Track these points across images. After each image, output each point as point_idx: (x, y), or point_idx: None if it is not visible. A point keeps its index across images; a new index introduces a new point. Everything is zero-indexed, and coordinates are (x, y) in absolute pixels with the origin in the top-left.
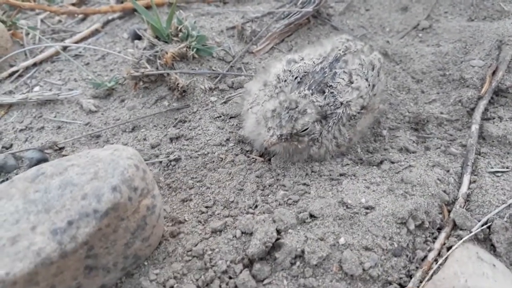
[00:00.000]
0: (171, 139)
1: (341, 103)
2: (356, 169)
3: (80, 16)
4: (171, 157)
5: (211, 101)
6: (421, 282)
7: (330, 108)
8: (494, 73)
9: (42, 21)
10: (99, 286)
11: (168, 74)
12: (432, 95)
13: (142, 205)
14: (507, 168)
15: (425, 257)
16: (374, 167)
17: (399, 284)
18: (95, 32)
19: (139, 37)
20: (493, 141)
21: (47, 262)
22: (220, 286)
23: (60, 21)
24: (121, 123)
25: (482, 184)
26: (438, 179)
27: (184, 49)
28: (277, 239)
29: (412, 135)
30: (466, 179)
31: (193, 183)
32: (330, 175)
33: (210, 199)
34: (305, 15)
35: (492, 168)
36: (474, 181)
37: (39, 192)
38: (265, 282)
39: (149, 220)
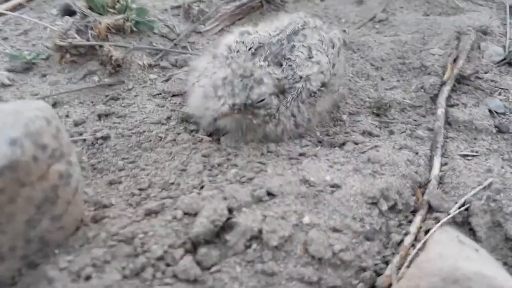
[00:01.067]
0: (99, 116)
1: (301, 77)
2: (317, 150)
3: None
4: (98, 134)
5: (150, 79)
6: (399, 268)
7: (288, 82)
8: (454, 61)
9: None
10: None
11: (100, 46)
12: (393, 82)
13: (52, 170)
14: (476, 152)
15: (401, 241)
16: (336, 148)
17: (375, 271)
18: (18, 7)
19: (70, 13)
20: (459, 126)
21: None
22: (153, 275)
23: None
24: (39, 97)
25: (455, 166)
26: (407, 160)
27: (121, 20)
28: (228, 218)
29: (374, 120)
30: (437, 161)
31: (123, 164)
32: (289, 154)
33: (144, 181)
34: None
35: (462, 151)
36: (446, 164)
37: None
38: (212, 269)
39: (62, 192)
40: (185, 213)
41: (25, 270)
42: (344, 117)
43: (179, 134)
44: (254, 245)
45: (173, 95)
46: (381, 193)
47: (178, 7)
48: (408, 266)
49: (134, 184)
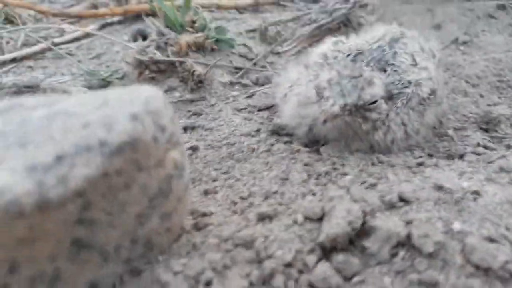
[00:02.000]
0: (185, 129)
1: (410, 82)
2: (435, 161)
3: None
4: (186, 145)
5: (232, 95)
6: None
7: (396, 87)
8: None
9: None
10: (87, 283)
11: (181, 62)
12: (494, 99)
13: (169, 157)
14: None
15: None
16: (456, 159)
17: None
18: (90, 35)
19: (143, 38)
20: None
21: (13, 211)
22: (285, 283)
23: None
24: None
25: None
26: None
27: (202, 38)
28: (363, 223)
29: (484, 135)
30: None
31: (217, 175)
32: (405, 164)
33: (243, 191)
34: (334, 20)
35: None
36: None
37: (11, 124)
38: (354, 279)
39: (175, 185)
40: (306, 218)
41: (127, 277)
42: (450, 132)
43: (272, 145)
44: (402, 253)
45: (260, 110)
46: None
47: (253, 30)
48: None
49: (232, 194)
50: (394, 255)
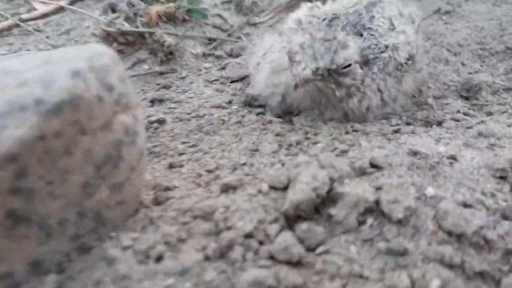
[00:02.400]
0: (152, 102)
1: (387, 46)
2: (412, 128)
3: None
4: (152, 118)
5: (204, 67)
6: None
7: (372, 52)
8: None
9: None
10: (28, 261)
11: (151, 33)
12: (476, 67)
13: (118, 120)
14: None
15: None
16: (434, 126)
17: None
18: (59, 10)
19: (115, 12)
20: None
21: None
22: (244, 255)
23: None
24: None
25: None
26: None
27: (173, 8)
28: (330, 190)
29: (464, 103)
30: None
31: (184, 148)
32: (380, 132)
33: (210, 163)
34: None
35: None
36: None
37: None
38: (318, 250)
39: (126, 152)
40: (272, 187)
41: (75, 255)
42: (430, 100)
43: (244, 116)
44: (370, 220)
45: (232, 81)
46: (510, 165)
47: (229, 1)
48: None
49: (199, 167)
50: (361, 222)
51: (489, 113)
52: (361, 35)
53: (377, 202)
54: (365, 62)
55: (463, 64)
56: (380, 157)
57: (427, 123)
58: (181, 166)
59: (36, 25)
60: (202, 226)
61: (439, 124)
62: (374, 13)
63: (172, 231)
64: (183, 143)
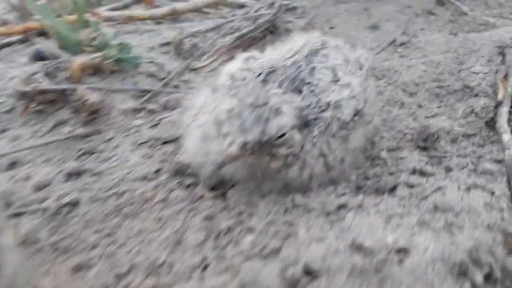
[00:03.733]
0: (68, 176)
1: (328, 104)
2: (360, 199)
3: None
4: (64, 200)
5: (134, 126)
6: None
7: (312, 112)
8: (505, 78)
9: None
10: None
11: (73, 90)
12: (434, 109)
13: None
14: None
15: None
16: (385, 194)
17: None
18: None
19: (43, 59)
20: None
21: None
22: None
23: None
24: None
25: None
26: (486, 204)
27: (98, 59)
28: None
29: (421, 156)
30: None
31: (97, 240)
32: (324, 208)
33: (123, 264)
34: (259, 28)
35: None
36: None
37: None
38: None
39: None
40: None
41: None
42: (383, 154)
43: (172, 191)
44: None
45: (164, 142)
46: (468, 255)
47: (167, 43)
48: None
49: (109, 268)
50: None
51: (448, 169)
52: (301, 91)
53: None
54: (305, 124)
55: (419, 106)
56: (316, 259)
57: (378, 191)
58: (90, 267)
59: None
60: None
61: (392, 191)
62: (315, 63)
63: None
64: (97, 231)
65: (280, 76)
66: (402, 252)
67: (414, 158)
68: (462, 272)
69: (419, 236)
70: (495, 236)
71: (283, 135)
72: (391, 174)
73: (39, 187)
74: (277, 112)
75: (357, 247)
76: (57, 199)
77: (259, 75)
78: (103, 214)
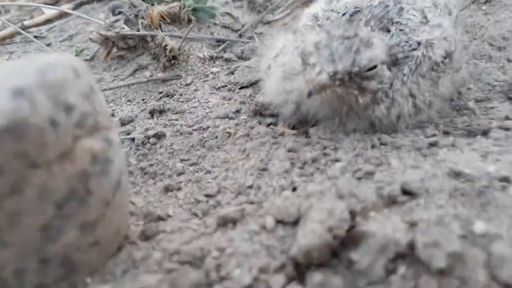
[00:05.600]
0: (152, 113)
1: (419, 43)
2: (452, 139)
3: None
4: (150, 133)
5: (212, 72)
6: None
7: (402, 50)
8: None
9: None
10: None
11: (153, 36)
12: None
13: (81, 147)
14: None
15: None
16: (478, 137)
17: None
18: (63, 15)
19: (121, 13)
20: None
21: None
22: None
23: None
24: None
25: None
26: None
27: (177, 8)
28: (351, 227)
29: None
30: None
31: (183, 167)
32: (414, 145)
33: (212, 186)
34: None
35: None
36: None
37: None
38: None
39: (95, 184)
40: (279, 221)
41: None
42: (471, 104)
43: (252, 128)
44: (403, 269)
45: (242, 87)
46: None
47: None
48: None
49: (198, 190)
50: (391, 271)
51: None
52: (389, 30)
53: (411, 245)
54: (394, 63)
55: (509, 60)
56: (414, 181)
57: (470, 133)
58: (179, 189)
59: (39, 32)
60: (190, 276)
61: (485, 134)
62: (403, 4)
63: (152, 282)
64: (183, 160)
65: (366, 16)
66: (505, 180)
67: (505, 108)
68: None
69: None
70: None
71: (374, 67)
72: (478, 124)
73: (125, 122)
74: (368, 43)
75: (456, 174)
76: (143, 132)
77: (344, 14)
78: (188, 146)
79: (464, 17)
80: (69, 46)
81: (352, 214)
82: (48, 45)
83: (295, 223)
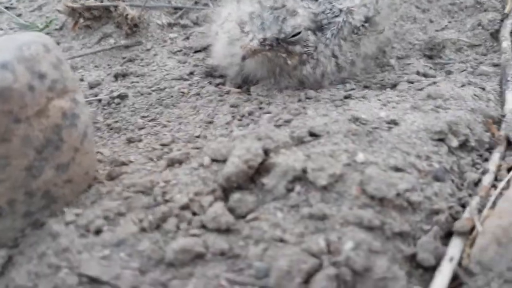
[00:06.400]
0: (116, 77)
1: (341, 10)
2: (365, 92)
3: None
4: (114, 94)
5: (170, 38)
6: (480, 211)
7: (326, 17)
8: None
9: None
10: None
11: (115, 6)
12: (444, 23)
13: (53, 105)
14: None
15: (479, 181)
16: (388, 89)
17: (450, 215)
18: None
19: None
20: None
21: None
22: (178, 226)
23: None
24: None
25: None
26: (474, 94)
27: None
28: (264, 161)
29: (427, 62)
30: (510, 95)
31: (143, 123)
32: (332, 98)
33: (167, 137)
34: None
35: None
36: None
37: None
38: (248, 217)
39: (66, 135)
40: (213, 160)
41: (29, 231)
42: (392, 61)
43: (203, 87)
44: (298, 187)
45: (196, 51)
46: (448, 127)
47: None
48: (492, 207)
49: (155, 141)
50: (290, 190)
51: (449, 72)
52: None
53: (304, 170)
54: (319, 28)
55: (431, 21)
56: (319, 125)
57: (382, 86)
58: (139, 140)
59: (9, 2)
60: (142, 200)
61: (394, 86)
62: None
63: (113, 206)
64: (143, 117)
65: None
66: (392, 123)
67: (419, 64)
68: (440, 139)
69: (410, 115)
70: (476, 117)
71: (298, 33)
72: (397, 77)
73: (93, 85)
74: (293, 13)
75: (355, 119)
76: (108, 93)
77: None
78: (147, 104)
79: None
80: (39, 16)
81: (267, 151)
82: (19, 15)
83: (225, 160)
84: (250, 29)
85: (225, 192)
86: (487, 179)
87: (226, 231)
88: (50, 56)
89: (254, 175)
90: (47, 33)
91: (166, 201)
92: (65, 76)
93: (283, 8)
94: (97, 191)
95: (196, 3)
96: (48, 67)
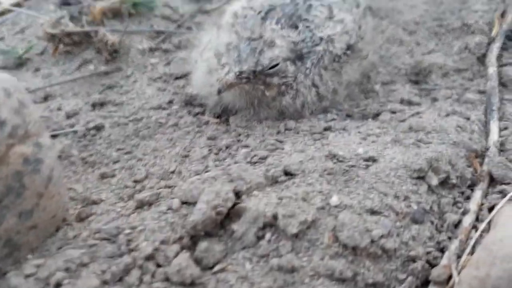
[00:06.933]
0: (94, 106)
1: (321, 39)
2: (346, 123)
3: None
4: (90, 125)
5: (151, 63)
6: (459, 256)
7: (306, 46)
8: (502, 15)
9: None
10: None
11: (96, 32)
12: (431, 46)
13: (14, 152)
14: None
15: (459, 222)
16: (370, 119)
17: (427, 262)
18: (16, 6)
19: (69, 4)
20: None
21: None
22: (140, 278)
23: None
24: (29, 91)
25: None
26: (458, 126)
27: (118, 3)
28: (235, 204)
29: (412, 88)
30: (494, 126)
31: (118, 156)
32: (311, 130)
33: (141, 172)
34: None
35: None
36: (506, 128)
37: None
38: (215, 268)
39: (28, 181)
40: (183, 202)
41: None
42: (377, 87)
43: (181, 117)
44: (268, 235)
45: (176, 78)
46: (429, 164)
47: None
48: (472, 253)
49: (128, 176)
50: (260, 237)
51: (434, 99)
52: (297, 27)
53: (275, 217)
54: (299, 57)
55: (417, 44)
56: (294, 163)
57: (364, 116)
58: (113, 176)
59: None
60: (106, 249)
61: (376, 116)
62: (312, 1)
63: (76, 255)
64: (119, 149)
65: (278, 14)
66: (370, 160)
67: (405, 90)
68: (420, 176)
69: (389, 150)
70: (459, 151)
71: (276, 65)
72: (380, 104)
73: (70, 115)
74: (271, 44)
75: (332, 156)
76: (85, 124)
77: (259, 13)
78: (123, 136)
79: (385, 2)
80: (22, 39)
81: (238, 193)
82: (1, 39)
83: (195, 203)
84: (226, 61)
85: (193, 239)
86: (467, 220)
87: (191, 285)
88: (11, 101)
89: (224, 220)
90: (28, 58)
91: (131, 250)
92: (27, 120)
93: (261, 39)
94: (64, 235)
95: (179, 26)
96: (8, 113)
